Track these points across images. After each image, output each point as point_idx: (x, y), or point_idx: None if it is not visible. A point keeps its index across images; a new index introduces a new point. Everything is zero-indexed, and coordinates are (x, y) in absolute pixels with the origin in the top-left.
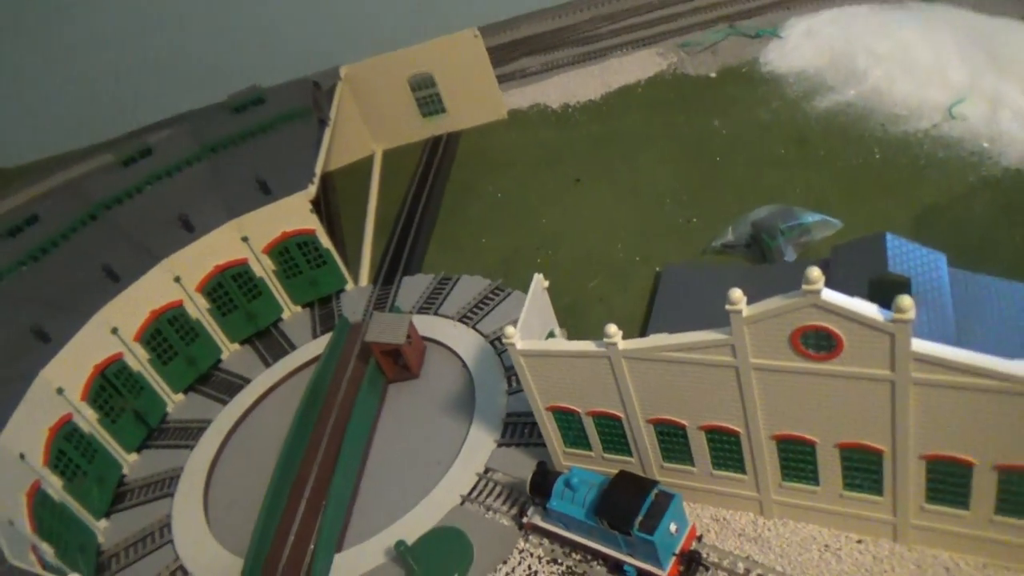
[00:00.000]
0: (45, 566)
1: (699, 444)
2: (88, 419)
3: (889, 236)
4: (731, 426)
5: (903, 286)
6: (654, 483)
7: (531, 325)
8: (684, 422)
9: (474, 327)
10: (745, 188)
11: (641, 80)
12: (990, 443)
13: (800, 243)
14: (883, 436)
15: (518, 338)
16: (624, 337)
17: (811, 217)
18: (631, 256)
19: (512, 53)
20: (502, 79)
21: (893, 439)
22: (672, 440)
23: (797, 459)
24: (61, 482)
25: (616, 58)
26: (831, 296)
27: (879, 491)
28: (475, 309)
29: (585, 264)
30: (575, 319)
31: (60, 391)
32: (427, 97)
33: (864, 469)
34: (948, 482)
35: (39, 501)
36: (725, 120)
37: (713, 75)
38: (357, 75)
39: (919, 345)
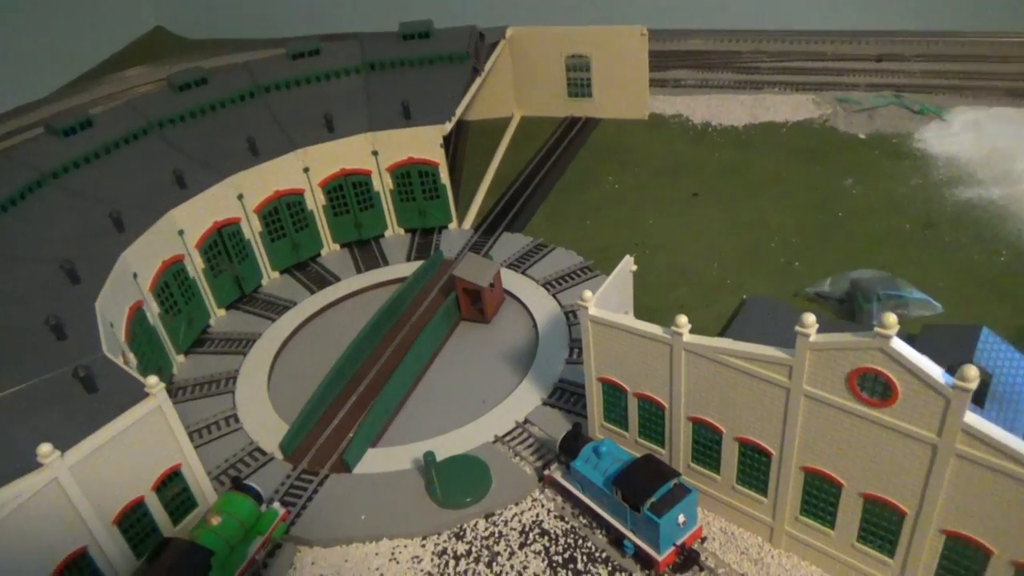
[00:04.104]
0: None
1: (730, 455)
2: (196, 265)
3: (985, 330)
4: (766, 446)
5: (982, 382)
6: (676, 473)
7: (609, 299)
8: (722, 429)
9: (554, 295)
10: (857, 251)
11: (788, 121)
12: (1017, 538)
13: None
14: (911, 499)
15: (593, 303)
16: None
17: (914, 293)
18: (723, 279)
19: (671, 62)
20: (654, 83)
21: (920, 505)
22: (706, 443)
23: (820, 497)
24: (159, 310)
25: (770, 94)
26: (900, 346)
27: (891, 552)
28: (561, 280)
29: (677, 274)
30: (651, 319)
31: (181, 233)
32: (578, 79)
33: (883, 527)
34: (962, 564)
35: (137, 319)
36: (859, 183)
37: (862, 136)
38: (521, 38)
39: (972, 419)
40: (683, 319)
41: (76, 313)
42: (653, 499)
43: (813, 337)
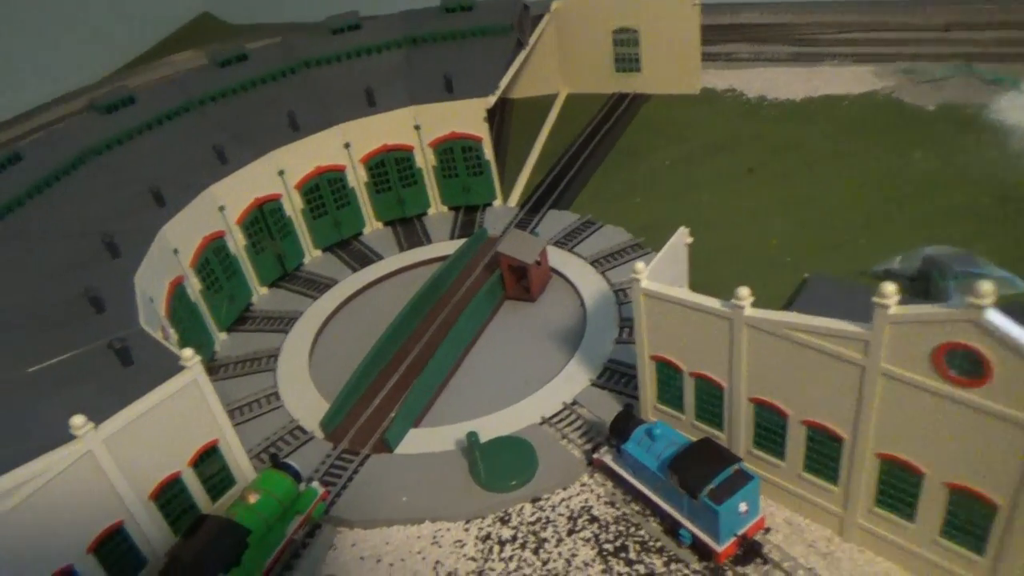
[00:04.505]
0: None
1: (796, 439)
2: (237, 242)
3: None
4: (838, 430)
5: None
6: (737, 459)
7: (662, 272)
8: (788, 411)
9: (603, 273)
10: (930, 226)
11: (850, 94)
12: None
13: None
14: (1004, 490)
15: (645, 275)
16: None
17: (994, 271)
18: (782, 257)
19: (725, 35)
20: (706, 57)
21: (1015, 496)
22: (769, 427)
23: (898, 487)
24: (200, 286)
25: (830, 66)
26: (996, 318)
27: (980, 550)
28: (610, 257)
29: (732, 252)
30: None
31: (222, 209)
32: (626, 53)
33: (970, 520)
34: None
35: (177, 294)
36: (929, 155)
37: (931, 108)
38: (566, 11)
39: None
40: (745, 291)
41: (115, 287)
42: (712, 485)
43: (893, 309)
